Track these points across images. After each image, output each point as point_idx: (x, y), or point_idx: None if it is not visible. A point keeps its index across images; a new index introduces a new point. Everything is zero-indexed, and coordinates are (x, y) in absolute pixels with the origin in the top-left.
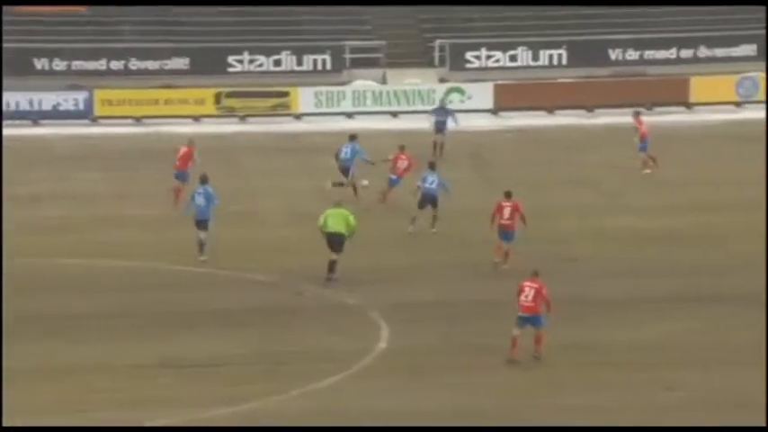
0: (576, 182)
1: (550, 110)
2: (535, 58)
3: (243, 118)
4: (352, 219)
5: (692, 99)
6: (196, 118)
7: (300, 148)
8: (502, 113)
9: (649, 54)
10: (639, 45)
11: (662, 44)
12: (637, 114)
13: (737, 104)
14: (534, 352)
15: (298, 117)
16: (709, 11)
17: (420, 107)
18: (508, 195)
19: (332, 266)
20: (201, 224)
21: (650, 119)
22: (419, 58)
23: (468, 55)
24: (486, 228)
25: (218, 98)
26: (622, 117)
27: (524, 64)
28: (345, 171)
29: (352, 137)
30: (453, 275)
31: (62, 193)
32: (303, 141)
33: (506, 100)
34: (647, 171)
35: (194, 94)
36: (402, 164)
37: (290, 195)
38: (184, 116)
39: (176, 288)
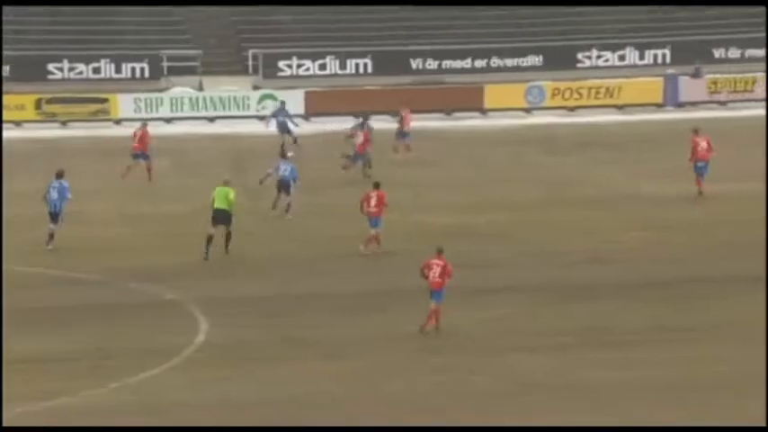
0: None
1: (358, 115)
2: (342, 66)
3: (64, 123)
4: (232, 195)
5: (487, 105)
6: (17, 123)
7: (121, 152)
8: (313, 119)
9: (447, 63)
10: (438, 55)
11: (458, 55)
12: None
13: (527, 110)
14: (428, 325)
15: (117, 122)
16: (502, 23)
17: (235, 113)
18: (376, 186)
19: (209, 240)
20: (53, 216)
21: (449, 123)
22: (234, 66)
23: (281, 63)
24: (306, 224)
25: (38, 104)
26: (424, 122)
27: (332, 72)
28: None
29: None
30: (277, 269)
31: None
32: (123, 145)
33: (317, 106)
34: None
35: (14, 100)
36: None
37: (114, 196)
38: (6, 121)
39: (5, 287)
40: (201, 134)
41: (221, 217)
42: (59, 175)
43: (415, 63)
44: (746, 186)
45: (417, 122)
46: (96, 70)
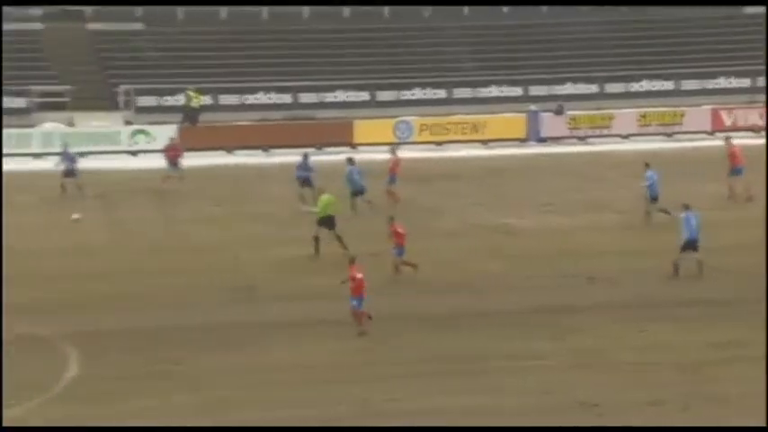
0: (255, 215)
1: (230, 150)
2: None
3: None
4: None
5: (356, 140)
6: None
7: None
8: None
9: (315, 98)
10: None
11: (328, 89)
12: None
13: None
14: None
15: None
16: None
17: (108, 147)
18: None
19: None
20: None
21: (319, 158)
22: (104, 101)
23: (150, 98)
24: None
25: None
26: (294, 156)
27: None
28: None
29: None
30: (136, 304)
31: None
32: None
33: (190, 141)
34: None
35: None
36: None
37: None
38: None
39: None
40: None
41: (328, 222)
42: None
43: (283, 98)
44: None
45: (287, 157)
46: None
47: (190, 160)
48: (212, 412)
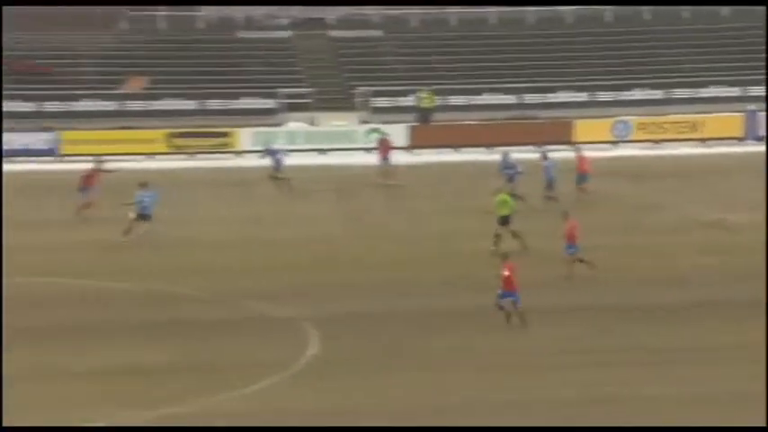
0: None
1: (457, 147)
2: (443, 102)
3: (192, 155)
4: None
5: (576, 139)
6: (149, 155)
7: (242, 182)
8: (415, 151)
9: (540, 98)
10: (533, 91)
11: (550, 90)
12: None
13: (613, 143)
14: None
15: (239, 154)
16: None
17: (345, 145)
18: (566, 216)
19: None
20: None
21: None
22: (342, 102)
23: (385, 100)
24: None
25: (168, 138)
26: (519, 154)
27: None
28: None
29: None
30: (381, 289)
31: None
32: (243, 175)
33: (421, 139)
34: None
35: (147, 134)
36: None
37: (230, 222)
38: (138, 153)
39: (124, 303)
40: (313, 165)
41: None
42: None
43: (509, 99)
44: None
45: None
46: (221, 106)
47: (419, 157)
48: (442, 390)
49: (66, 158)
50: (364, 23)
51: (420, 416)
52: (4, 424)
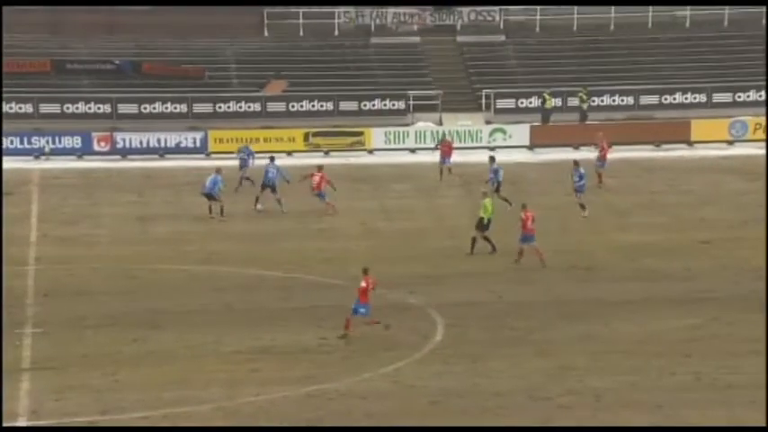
0: (595, 204)
1: (576, 146)
2: (563, 103)
3: (326, 153)
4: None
5: (693, 138)
6: (289, 153)
7: (372, 178)
8: (537, 150)
9: (656, 100)
10: (649, 93)
11: (667, 92)
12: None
13: (729, 143)
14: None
15: (371, 152)
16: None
17: (470, 144)
18: (524, 207)
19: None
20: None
21: (657, 154)
22: (468, 104)
23: (508, 101)
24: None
25: (306, 137)
26: (635, 152)
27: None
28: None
29: (272, 158)
30: (491, 279)
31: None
32: (374, 171)
33: (541, 138)
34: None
35: (286, 133)
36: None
37: (363, 214)
38: (278, 151)
39: (268, 289)
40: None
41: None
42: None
43: (626, 100)
44: None
45: (628, 153)
46: (353, 107)
47: (540, 155)
48: (561, 378)
49: (214, 155)
50: (489, 29)
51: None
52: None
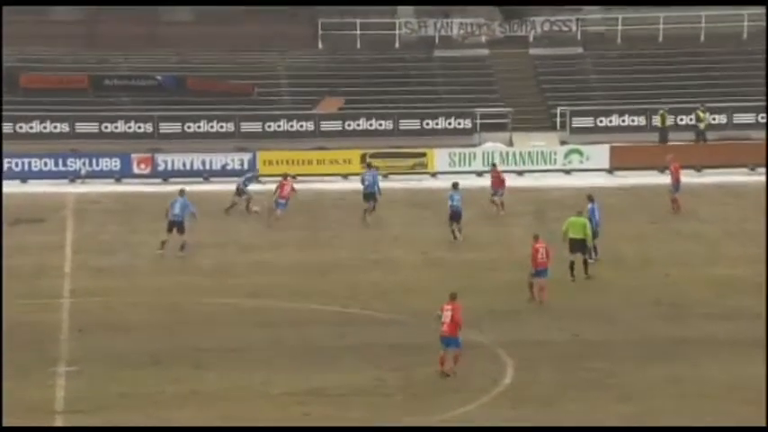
0: (682, 235)
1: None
2: (646, 122)
3: (386, 176)
4: (587, 226)
5: None
6: (344, 176)
7: (433, 203)
8: (617, 173)
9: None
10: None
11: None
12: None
13: None
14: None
15: (433, 175)
16: None
17: (543, 167)
18: (536, 238)
19: (572, 266)
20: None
21: (752, 179)
22: (542, 123)
23: (586, 120)
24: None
25: (363, 158)
26: (726, 176)
27: (636, 127)
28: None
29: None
30: (572, 316)
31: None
32: (436, 197)
33: (621, 160)
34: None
35: (342, 155)
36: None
37: (424, 243)
38: (333, 174)
39: (321, 325)
40: (510, 187)
41: (577, 246)
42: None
43: (717, 119)
44: None
45: (718, 177)
46: (417, 125)
47: (621, 179)
48: (645, 422)
49: (263, 178)
50: (564, 41)
51: None
52: None
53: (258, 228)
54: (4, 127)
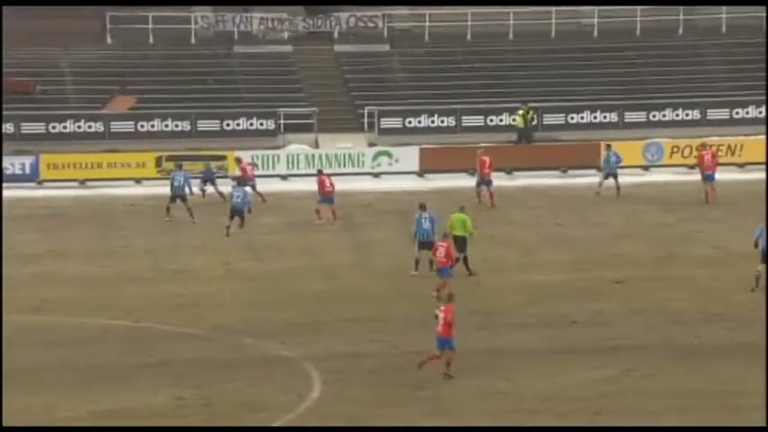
0: (498, 240)
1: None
2: (457, 123)
3: None
4: (469, 222)
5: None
6: (137, 180)
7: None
8: (427, 175)
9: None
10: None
11: (575, 110)
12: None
13: (645, 168)
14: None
15: (235, 179)
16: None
17: (350, 169)
18: (444, 236)
19: (465, 262)
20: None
21: (563, 181)
22: (349, 123)
23: (394, 120)
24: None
25: (158, 161)
26: (538, 179)
27: (446, 128)
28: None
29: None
30: (384, 326)
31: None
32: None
33: (431, 163)
34: None
35: (136, 157)
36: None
37: (226, 253)
38: (126, 178)
39: (112, 342)
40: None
41: (459, 244)
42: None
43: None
44: None
45: (530, 179)
46: (217, 126)
47: (432, 182)
48: None
49: (47, 184)
50: (371, 37)
51: None
52: None
53: (40, 236)
54: None
